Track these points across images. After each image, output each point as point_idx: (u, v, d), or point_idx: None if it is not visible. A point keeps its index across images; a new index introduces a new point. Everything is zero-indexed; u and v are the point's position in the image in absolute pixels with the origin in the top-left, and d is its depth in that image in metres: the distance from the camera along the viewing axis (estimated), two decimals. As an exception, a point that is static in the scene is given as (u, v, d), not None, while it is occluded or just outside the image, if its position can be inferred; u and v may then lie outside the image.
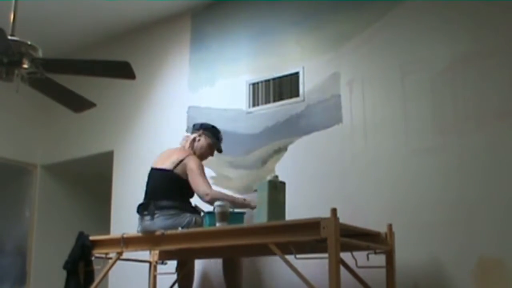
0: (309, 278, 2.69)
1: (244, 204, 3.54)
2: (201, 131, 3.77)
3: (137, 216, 3.59)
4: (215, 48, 4.52)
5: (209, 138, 3.76)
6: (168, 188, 3.54)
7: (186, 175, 3.55)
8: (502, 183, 3.13)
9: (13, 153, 5.47)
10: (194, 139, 3.75)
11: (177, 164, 3.55)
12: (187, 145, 3.74)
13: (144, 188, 3.67)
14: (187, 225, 3.40)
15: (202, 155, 3.75)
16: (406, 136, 3.48)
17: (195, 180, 3.51)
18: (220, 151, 3.83)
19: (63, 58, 3.72)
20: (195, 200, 3.70)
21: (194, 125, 3.86)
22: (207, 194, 3.45)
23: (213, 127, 3.81)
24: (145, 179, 3.69)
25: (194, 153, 3.70)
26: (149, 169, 3.73)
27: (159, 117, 4.68)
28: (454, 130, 3.32)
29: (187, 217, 3.45)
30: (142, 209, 3.56)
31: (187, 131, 4.47)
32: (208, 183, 3.56)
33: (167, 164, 3.59)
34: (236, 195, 3.79)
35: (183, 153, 3.64)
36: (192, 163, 3.56)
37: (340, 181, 3.65)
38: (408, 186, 3.41)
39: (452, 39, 3.44)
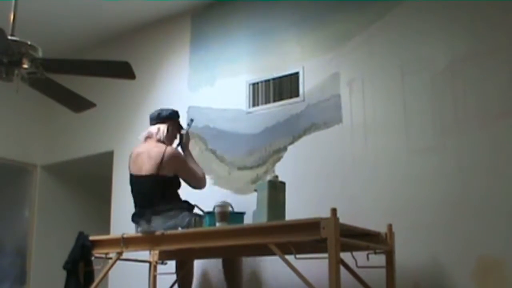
0: (309, 278, 2.69)
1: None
2: (168, 122, 3.67)
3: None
4: (215, 48, 4.52)
5: (176, 126, 3.73)
6: (159, 193, 3.46)
7: (172, 172, 3.49)
8: (503, 183, 3.13)
9: (13, 153, 5.47)
10: (167, 129, 3.66)
11: (159, 165, 3.44)
12: (164, 135, 3.61)
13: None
14: (187, 225, 3.39)
15: (173, 141, 3.73)
16: (406, 135, 3.48)
17: (189, 176, 3.60)
18: (182, 127, 3.83)
19: (63, 58, 3.72)
20: (194, 200, 3.70)
21: (159, 115, 3.68)
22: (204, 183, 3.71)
23: (176, 113, 3.76)
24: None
25: (167, 143, 3.61)
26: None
27: (159, 117, 4.67)
28: (455, 130, 3.32)
29: (186, 216, 3.42)
30: (137, 217, 3.52)
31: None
32: (198, 169, 3.68)
33: (148, 169, 3.47)
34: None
35: (159, 150, 3.49)
36: (177, 162, 3.52)
37: (340, 181, 3.65)
38: (408, 186, 3.40)
39: (452, 38, 3.44)
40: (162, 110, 3.75)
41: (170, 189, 3.53)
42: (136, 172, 3.55)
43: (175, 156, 3.54)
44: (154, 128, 3.65)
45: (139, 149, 3.62)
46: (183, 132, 3.77)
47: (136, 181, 3.56)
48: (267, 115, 4.11)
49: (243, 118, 4.22)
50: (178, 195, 3.61)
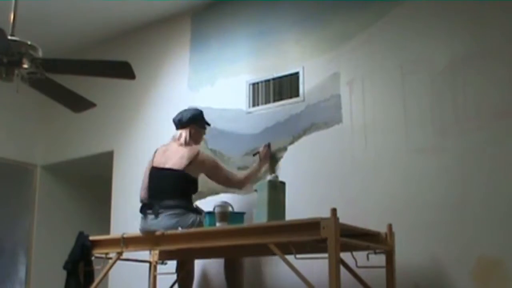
0: (309, 278, 2.69)
1: (258, 169, 3.86)
2: (190, 125, 3.74)
3: (138, 215, 3.59)
4: (215, 48, 4.52)
5: (200, 127, 3.81)
6: (175, 188, 3.52)
7: (198, 173, 3.62)
8: (503, 183, 3.13)
9: (13, 153, 5.47)
10: (190, 133, 3.72)
11: (189, 163, 3.54)
12: (187, 140, 3.68)
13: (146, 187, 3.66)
14: (192, 225, 3.40)
15: (199, 142, 3.83)
16: (406, 136, 3.48)
17: (221, 177, 3.75)
18: (209, 124, 3.93)
19: (63, 58, 3.72)
20: (194, 201, 3.71)
21: (180, 120, 3.75)
22: (241, 183, 3.79)
23: (198, 113, 3.83)
24: (145, 179, 3.69)
25: (193, 144, 3.71)
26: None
27: (159, 117, 4.67)
28: (455, 130, 3.32)
29: (191, 217, 3.45)
30: (146, 208, 3.55)
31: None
32: (232, 173, 3.85)
33: (175, 163, 3.55)
34: (249, 170, 3.91)
35: (190, 150, 3.61)
36: (209, 161, 3.70)
37: (340, 181, 3.65)
38: (408, 186, 3.40)
39: (452, 38, 3.44)
40: (182, 114, 3.79)
41: (186, 189, 3.58)
42: (159, 165, 3.61)
43: (206, 159, 3.70)
44: (177, 133, 3.73)
45: (166, 148, 3.71)
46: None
47: (156, 173, 3.60)
48: (267, 115, 4.11)
49: (243, 118, 4.22)
50: (190, 199, 3.64)
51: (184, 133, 3.70)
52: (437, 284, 3.20)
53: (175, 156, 3.59)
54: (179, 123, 3.74)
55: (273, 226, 2.87)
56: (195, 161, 3.57)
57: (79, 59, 3.64)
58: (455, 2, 3.46)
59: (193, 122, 3.76)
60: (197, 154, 3.60)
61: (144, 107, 4.86)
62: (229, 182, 3.78)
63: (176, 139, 3.70)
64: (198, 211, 3.59)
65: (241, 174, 3.87)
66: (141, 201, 3.62)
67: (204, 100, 4.48)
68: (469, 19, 3.40)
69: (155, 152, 3.73)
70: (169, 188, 3.52)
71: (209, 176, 3.73)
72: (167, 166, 3.57)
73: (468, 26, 3.40)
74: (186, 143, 3.66)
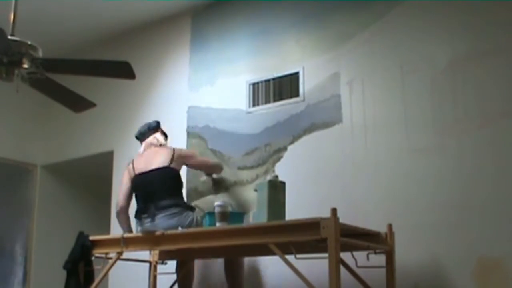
0: (309, 278, 2.68)
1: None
2: (159, 130, 3.89)
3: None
4: (215, 48, 4.52)
5: (164, 133, 3.94)
6: (167, 186, 3.57)
7: (180, 167, 3.72)
8: (503, 182, 3.12)
9: (13, 153, 5.47)
10: (162, 135, 3.89)
11: (171, 159, 3.63)
12: (161, 143, 3.81)
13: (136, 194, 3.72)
14: (190, 224, 3.41)
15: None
16: (406, 136, 3.48)
17: (200, 163, 3.95)
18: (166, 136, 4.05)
19: (63, 58, 3.72)
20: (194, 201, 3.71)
21: (149, 127, 3.87)
22: (219, 163, 4.07)
23: (159, 122, 3.95)
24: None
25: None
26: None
27: (159, 117, 4.63)
28: (455, 130, 3.32)
29: (189, 215, 3.47)
30: (140, 213, 3.56)
31: (187, 130, 4.48)
32: (207, 157, 4.13)
33: (159, 163, 3.62)
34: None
35: (167, 150, 3.73)
36: (185, 151, 3.94)
37: (340, 181, 3.65)
38: (408, 186, 3.40)
39: (452, 38, 3.43)
40: (147, 124, 3.93)
41: (176, 184, 3.65)
42: (143, 169, 3.65)
43: (183, 150, 3.94)
44: (150, 139, 3.82)
45: (142, 155, 3.76)
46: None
47: (143, 178, 3.63)
48: (267, 115, 4.11)
49: (243, 118, 4.22)
50: (182, 194, 3.68)
51: (157, 135, 3.84)
52: (437, 284, 3.20)
53: (156, 157, 3.67)
54: (149, 129, 3.86)
55: (273, 226, 2.86)
56: (175, 156, 3.68)
57: (79, 59, 3.64)
58: (455, 1, 3.46)
59: (159, 129, 3.90)
60: (174, 149, 3.74)
61: (144, 107, 4.86)
62: (207, 164, 4.00)
63: (151, 144, 3.79)
64: (193, 208, 3.61)
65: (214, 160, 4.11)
66: (118, 211, 3.77)
67: (204, 100, 4.48)
68: (469, 18, 3.40)
69: (132, 163, 3.76)
70: (161, 187, 3.56)
71: (189, 164, 3.85)
72: (153, 167, 3.63)
73: (469, 26, 3.40)
74: (163, 144, 3.80)
